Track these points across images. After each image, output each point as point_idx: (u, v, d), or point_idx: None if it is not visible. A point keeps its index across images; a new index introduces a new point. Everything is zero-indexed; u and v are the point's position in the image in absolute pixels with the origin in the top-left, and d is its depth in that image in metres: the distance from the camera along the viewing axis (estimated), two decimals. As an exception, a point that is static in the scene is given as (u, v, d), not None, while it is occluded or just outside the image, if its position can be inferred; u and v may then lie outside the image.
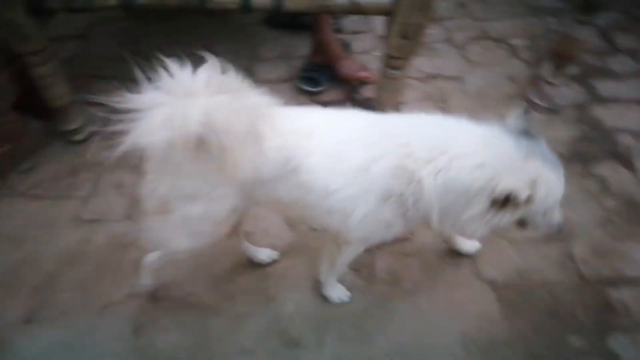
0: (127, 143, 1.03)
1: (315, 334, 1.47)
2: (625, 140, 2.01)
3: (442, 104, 2.18)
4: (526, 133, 1.19)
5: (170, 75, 1.05)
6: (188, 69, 1.07)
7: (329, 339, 1.46)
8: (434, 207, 1.18)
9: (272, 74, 2.34)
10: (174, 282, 1.57)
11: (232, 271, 1.61)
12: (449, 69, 2.31)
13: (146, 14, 2.52)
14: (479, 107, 2.14)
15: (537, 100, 2.10)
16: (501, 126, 1.19)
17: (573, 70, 2.24)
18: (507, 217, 1.16)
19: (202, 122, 1.02)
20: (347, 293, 1.57)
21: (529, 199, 1.12)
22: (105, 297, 1.52)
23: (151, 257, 1.44)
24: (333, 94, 2.17)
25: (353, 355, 1.43)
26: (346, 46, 2.33)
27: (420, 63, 2.34)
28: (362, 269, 1.63)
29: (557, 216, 1.27)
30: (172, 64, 1.05)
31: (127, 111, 1.03)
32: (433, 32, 2.49)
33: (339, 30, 2.41)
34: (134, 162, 1.87)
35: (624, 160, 1.94)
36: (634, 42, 2.38)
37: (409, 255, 1.65)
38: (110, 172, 1.87)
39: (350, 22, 2.57)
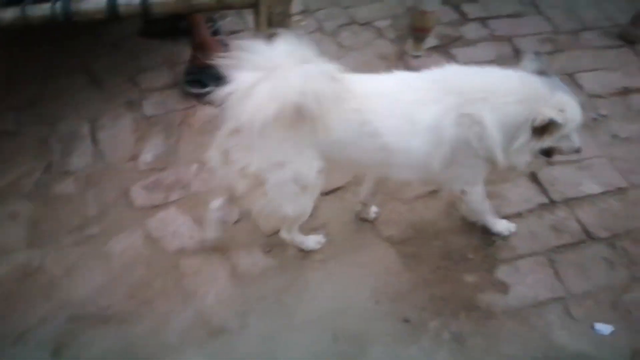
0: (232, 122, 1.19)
1: (239, 318, 1.54)
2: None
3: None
4: (542, 72, 1.44)
5: (252, 52, 1.14)
6: (266, 44, 1.16)
7: (252, 320, 1.54)
8: (496, 141, 1.39)
9: (158, 82, 2.35)
10: (88, 298, 1.56)
11: (146, 277, 1.63)
12: (325, 55, 2.46)
13: (12, 39, 2.40)
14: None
15: (407, 73, 2.32)
16: (523, 69, 1.45)
17: (433, 42, 2.49)
18: (545, 143, 1.43)
19: (302, 89, 1.14)
20: (512, 224, 1.75)
21: (561, 124, 1.38)
22: (19, 327, 1.48)
23: (215, 203, 1.57)
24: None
25: (277, 330, 1.52)
26: (225, 46, 2.40)
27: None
28: (273, 249, 1.72)
29: (577, 139, 1.50)
30: (250, 42, 1.15)
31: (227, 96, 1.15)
32: (305, 23, 2.64)
33: (216, 33, 2.47)
34: (28, 190, 1.86)
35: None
36: (481, 11, 2.69)
37: (315, 229, 1.77)
38: (2, 204, 1.80)
39: (226, 23, 2.64)
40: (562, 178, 1.95)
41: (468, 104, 1.37)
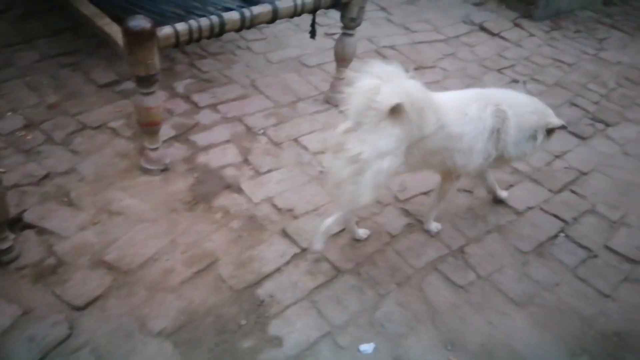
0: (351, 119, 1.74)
1: None
2: (230, 172, 2.47)
3: (65, 199, 2.21)
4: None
5: (375, 68, 1.68)
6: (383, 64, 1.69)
7: None
8: (512, 138, 2.01)
9: None
10: None
11: None
12: (60, 165, 2.36)
13: None
14: (99, 188, 2.26)
15: (150, 167, 2.36)
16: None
17: (169, 132, 2.61)
18: (549, 140, 2.16)
19: (411, 92, 1.67)
20: (439, 226, 2.31)
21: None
22: None
23: (328, 222, 1.96)
24: None
25: None
26: None
27: (31, 168, 2.32)
28: None
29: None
30: (374, 64, 1.68)
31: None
32: (31, 137, 2.49)
33: None
34: None
35: (235, 188, 2.39)
36: (210, 99, 2.94)
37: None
38: None
39: None
40: (307, 228, 2.20)
41: (502, 105, 1.99)
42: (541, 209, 2.53)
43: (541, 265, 2.22)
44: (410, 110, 1.69)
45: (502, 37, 4.21)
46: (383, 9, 4.40)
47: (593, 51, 4.26)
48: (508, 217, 2.45)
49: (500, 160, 2.12)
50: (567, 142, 3.05)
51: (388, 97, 1.65)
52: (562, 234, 2.40)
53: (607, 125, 3.28)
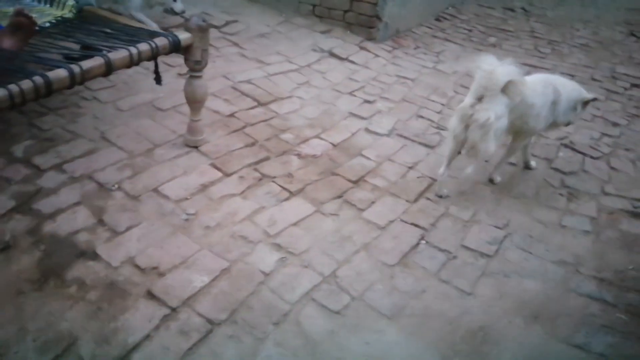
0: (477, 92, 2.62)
1: None
2: (83, 238, 2.28)
3: None
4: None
5: (489, 59, 2.58)
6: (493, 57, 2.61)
7: None
8: (563, 108, 2.94)
9: None
10: None
11: None
12: None
13: None
14: None
15: (-16, 248, 2.11)
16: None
17: (8, 203, 2.35)
18: (584, 111, 3.18)
19: (516, 73, 2.58)
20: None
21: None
22: None
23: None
24: None
25: None
26: None
27: None
28: None
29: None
30: (487, 57, 2.61)
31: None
32: None
33: None
34: None
35: (90, 254, 2.21)
36: (54, 159, 2.71)
37: None
38: None
39: None
40: (175, 284, 2.10)
41: (556, 84, 2.94)
42: (401, 220, 2.70)
43: (407, 275, 2.35)
44: (518, 84, 2.59)
45: (351, 61, 4.47)
46: (235, 44, 4.44)
47: (432, 64, 4.69)
48: (372, 233, 2.57)
49: (554, 124, 3.05)
50: (417, 153, 3.30)
51: (503, 76, 2.55)
52: (423, 241, 2.58)
53: (451, 131, 3.62)
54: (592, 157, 3.50)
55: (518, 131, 2.94)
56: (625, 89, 4.71)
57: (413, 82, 4.27)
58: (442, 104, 3.97)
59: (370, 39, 4.88)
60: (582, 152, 3.57)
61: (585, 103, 3.05)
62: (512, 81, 2.56)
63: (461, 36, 5.58)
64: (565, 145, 3.61)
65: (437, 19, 5.97)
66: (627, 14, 6.94)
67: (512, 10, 6.74)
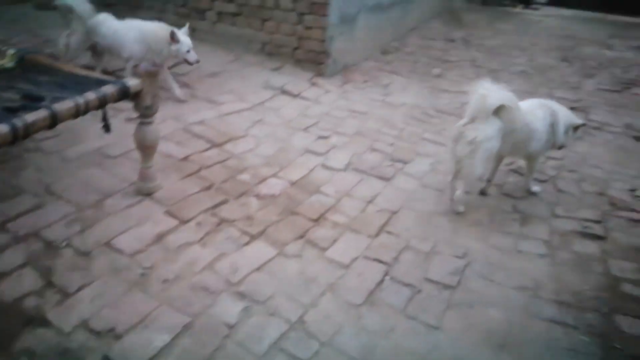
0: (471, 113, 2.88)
1: None
2: (31, 303, 2.14)
3: None
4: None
5: (484, 84, 2.83)
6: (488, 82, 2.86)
7: None
8: (561, 129, 3.14)
9: None
10: None
11: None
12: None
13: None
14: None
15: None
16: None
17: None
18: (576, 134, 3.41)
19: (509, 98, 2.86)
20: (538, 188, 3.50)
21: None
22: None
23: (458, 192, 3.09)
24: None
25: None
26: None
27: None
28: None
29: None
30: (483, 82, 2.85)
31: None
32: None
33: None
34: None
35: (39, 320, 2.07)
36: (-3, 217, 2.55)
37: None
38: None
39: None
40: (133, 346, 1.99)
41: (554, 108, 3.20)
42: (364, 256, 2.69)
43: (375, 313, 2.33)
44: (510, 109, 2.87)
45: (303, 97, 4.51)
46: (186, 84, 4.39)
47: (381, 97, 4.80)
48: (337, 272, 2.55)
49: (552, 146, 3.28)
50: (375, 186, 3.33)
51: (495, 100, 2.81)
52: (387, 277, 2.57)
53: (405, 163, 3.68)
54: (539, 181, 3.64)
55: (521, 153, 3.27)
56: (563, 112, 4.98)
57: (365, 116, 4.35)
58: (394, 136, 4.05)
59: (320, 74, 4.95)
60: (530, 176, 3.71)
61: (576, 128, 3.29)
62: (504, 106, 2.83)
63: (407, 68, 5.76)
64: (514, 171, 3.74)
65: (383, 53, 6.14)
66: (558, 41, 7.40)
67: (453, 41, 7.05)
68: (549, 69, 6.21)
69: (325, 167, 3.52)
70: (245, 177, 3.27)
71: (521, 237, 3.01)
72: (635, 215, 3.22)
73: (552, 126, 3.15)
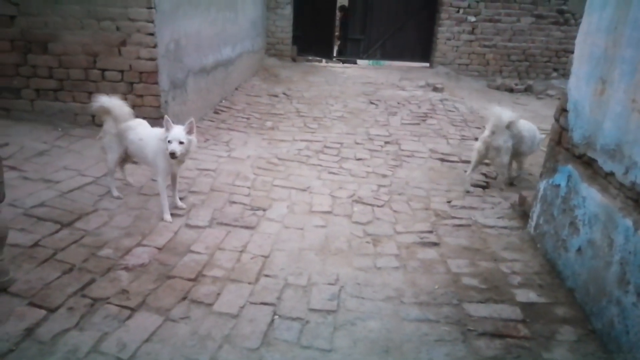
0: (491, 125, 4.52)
1: None
2: None
3: None
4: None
5: (496, 109, 4.68)
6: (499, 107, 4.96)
7: None
8: (526, 141, 4.68)
9: None
10: None
11: None
12: None
13: None
14: None
15: None
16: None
17: None
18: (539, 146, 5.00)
19: (514, 116, 4.54)
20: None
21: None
22: None
23: (469, 178, 4.75)
24: None
25: None
26: None
27: None
28: None
29: None
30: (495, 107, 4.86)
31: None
32: None
33: None
34: None
35: None
36: None
37: None
38: None
39: None
40: None
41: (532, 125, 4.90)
42: (250, 302, 2.82)
43: (274, 352, 2.47)
44: (515, 123, 4.47)
45: (148, 163, 4.48)
46: (13, 168, 4.02)
47: (226, 153, 5.02)
48: (229, 324, 2.62)
49: (531, 151, 4.81)
50: (242, 236, 3.49)
51: (507, 118, 4.40)
52: (276, 317, 2.74)
53: (264, 210, 3.93)
54: (378, 206, 4.21)
55: (516, 153, 4.71)
56: (381, 146, 5.80)
57: (215, 172, 4.51)
58: (248, 187, 4.29)
59: (160, 138, 4.97)
60: (370, 204, 4.26)
61: (541, 141, 4.79)
62: (512, 121, 4.44)
63: (242, 124, 6.11)
64: (356, 201, 4.27)
65: (216, 112, 6.41)
66: (362, 87, 8.59)
67: (275, 95, 7.67)
68: (360, 111, 7.17)
69: (189, 226, 3.57)
70: (107, 251, 3.15)
71: (377, 255, 3.46)
72: (456, 222, 3.95)
73: (533, 137, 4.71)
